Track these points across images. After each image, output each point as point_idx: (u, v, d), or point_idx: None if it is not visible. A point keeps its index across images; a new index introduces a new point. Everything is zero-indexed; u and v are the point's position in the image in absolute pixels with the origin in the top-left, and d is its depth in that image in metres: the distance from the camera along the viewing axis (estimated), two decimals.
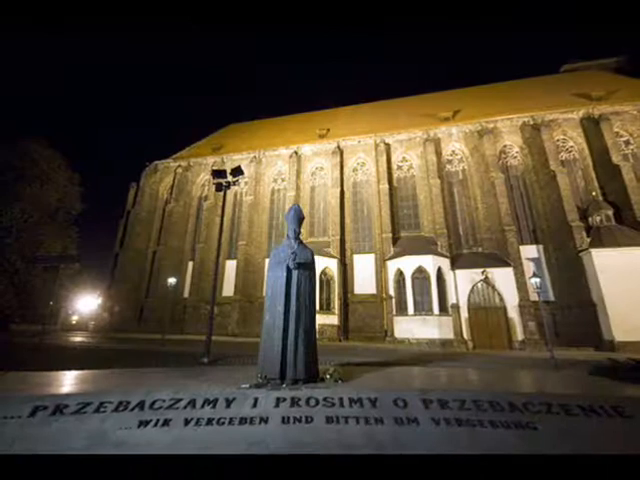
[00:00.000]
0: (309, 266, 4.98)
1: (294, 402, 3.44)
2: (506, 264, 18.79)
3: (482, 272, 18.65)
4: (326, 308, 19.95)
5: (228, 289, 23.57)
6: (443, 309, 17.96)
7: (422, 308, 18.02)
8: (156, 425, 3.02)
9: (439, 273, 18.57)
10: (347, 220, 23.25)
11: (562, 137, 22.28)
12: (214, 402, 3.40)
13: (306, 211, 22.17)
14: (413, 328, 17.79)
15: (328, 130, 27.63)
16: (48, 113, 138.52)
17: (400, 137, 24.77)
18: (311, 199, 25.28)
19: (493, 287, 18.55)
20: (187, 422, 3.07)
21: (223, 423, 3.06)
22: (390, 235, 21.45)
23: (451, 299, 18.47)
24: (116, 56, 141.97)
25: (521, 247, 19.47)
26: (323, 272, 20.24)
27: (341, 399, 3.48)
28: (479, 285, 18.77)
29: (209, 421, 3.08)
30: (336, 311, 20.06)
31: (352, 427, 3.02)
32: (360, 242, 23.10)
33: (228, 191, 11.72)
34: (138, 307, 24.97)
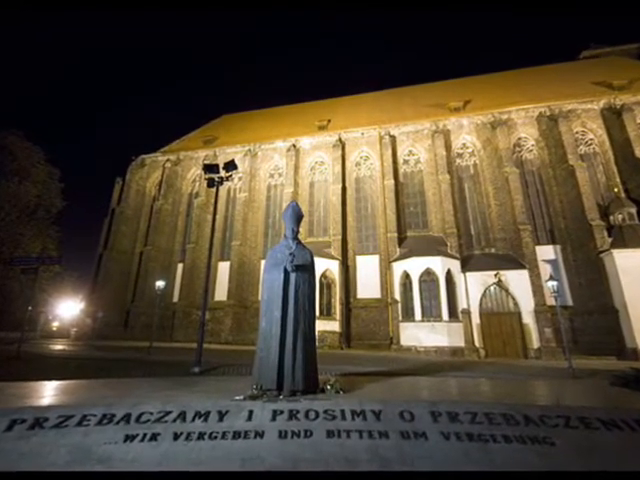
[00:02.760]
0: (308, 268, 4.99)
1: (292, 415, 3.44)
2: (521, 266, 18.79)
3: (495, 275, 18.65)
4: (327, 313, 19.97)
5: (221, 293, 23.58)
6: (453, 314, 17.98)
7: (430, 313, 18.04)
8: (143, 440, 3.02)
9: (449, 276, 18.58)
10: (349, 219, 23.27)
11: (581, 129, 22.29)
12: (206, 415, 3.41)
13: (305, 209, 22.16)
14: (420, 335, 17.80)
15: (328, 121, 27.65)
16: (26, 105, 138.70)
17: (406, 129, 24.78)
18: (310, 196, 25.30)
19: (507, 291, 18.56)
20: (176, 436, 3.07)
21: (215, 437, 3.06)
22: (396, 235, 21.45)
23: (461, 304, 18.47)
24: (98, 41, 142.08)
25: (537, 248, 19.48)
26: (323, 275, 20.25)
27: (343, 412, 3.48)
28: (492, 289, 18.78)
29: (200, 435, 3.08)
30: (337, 317, 20.07)
31: (355, 442, 3.02)
32: (363, 242, 23.12)
33: (221, 187, 11.77)
34: (123, 312, 24.97)
